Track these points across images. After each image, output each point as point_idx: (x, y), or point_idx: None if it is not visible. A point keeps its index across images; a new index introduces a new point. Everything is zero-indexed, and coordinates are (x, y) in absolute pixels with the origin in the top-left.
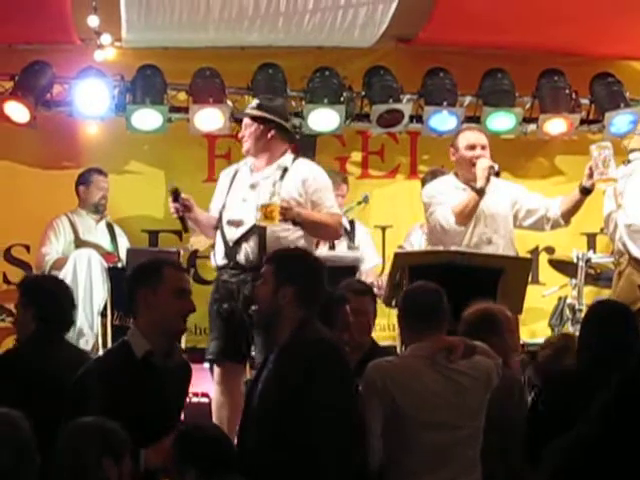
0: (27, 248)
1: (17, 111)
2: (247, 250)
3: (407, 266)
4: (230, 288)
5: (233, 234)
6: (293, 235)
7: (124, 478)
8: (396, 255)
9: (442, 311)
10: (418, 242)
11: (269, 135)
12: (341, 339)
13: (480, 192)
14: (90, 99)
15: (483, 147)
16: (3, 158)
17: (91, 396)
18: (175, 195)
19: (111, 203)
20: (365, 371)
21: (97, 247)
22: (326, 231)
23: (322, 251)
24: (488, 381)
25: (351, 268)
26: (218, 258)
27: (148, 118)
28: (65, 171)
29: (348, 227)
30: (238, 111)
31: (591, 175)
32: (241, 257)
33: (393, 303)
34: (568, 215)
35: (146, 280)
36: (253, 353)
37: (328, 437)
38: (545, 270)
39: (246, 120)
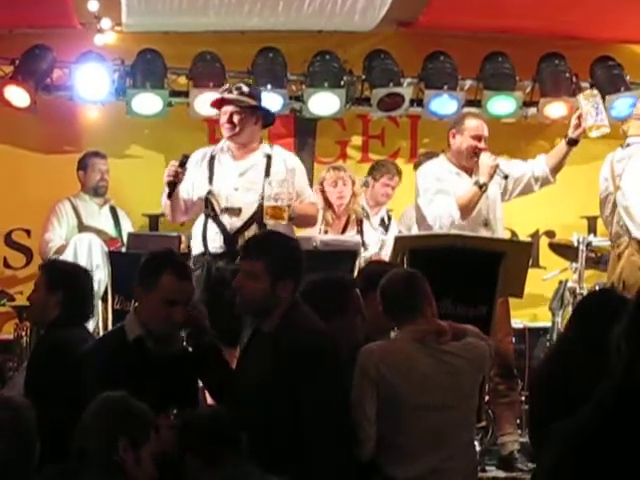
0: (28, 232)
1: (17, 95)
2: (248, 238)
3: (408, 250)
4: (224, 275)
5: (234, 223)
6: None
7: (144, 464)
8: (397, 239)
9: (416, 296)
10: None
11: (257, 122)
12: (354, 324)
13: (482, 187)
14: (90, 83)
15: (485, 140)
16: (4, 142)
17: (88, 377)
18: (184, 161)
19: (111, 187)
20: (357, 357)
21: (100, 232)
22: (309, 221)
23: (324, 235)
24: (481, 363)
25: (352, 252)
26: (214, 246)
27: (148, 102)
28: (66, 155)
29: (386, 220)
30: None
31: (578, 125)
32: (240, 245)
33: None
34: (556, 170)
35: (143, 279)
36: None
37: (323, 434)
38: (546, 254)
39: (233, 107)
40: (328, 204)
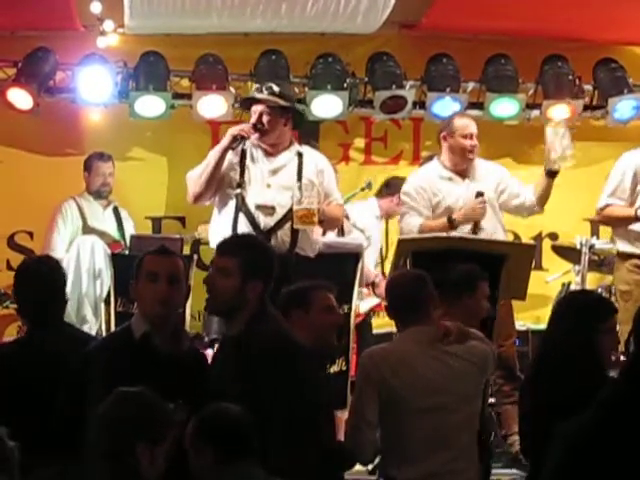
0: (31, 235)
1: (20, 98)
2: (282, 238)
3: (410, 252)
4: None
5: (268, 221)
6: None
7: (157, 464)
8: (399, 241)
9: (425, 298)
10: None
11: (286, 124)
12: (329, 322)
13: (453, 225)
14: (93, 86)
15: (476, 137)
16: (7, 145)
17: (93, 375)
18: (258, 127)
19: (114, 189)
20: (359, 360)
21: (104, 234)
22: (335, 224)
23: (325, 237)
24: (484, 366)
25: (354, 254)
26: None
27: (151, 105)
28: (68, 158)
29: None
30: (242, 98)
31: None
32: (274, 243)
33: None
34: (541, 200)
35: (134, 271)
36: None
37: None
38: (548, 256)
39: (262, 107)
40: None
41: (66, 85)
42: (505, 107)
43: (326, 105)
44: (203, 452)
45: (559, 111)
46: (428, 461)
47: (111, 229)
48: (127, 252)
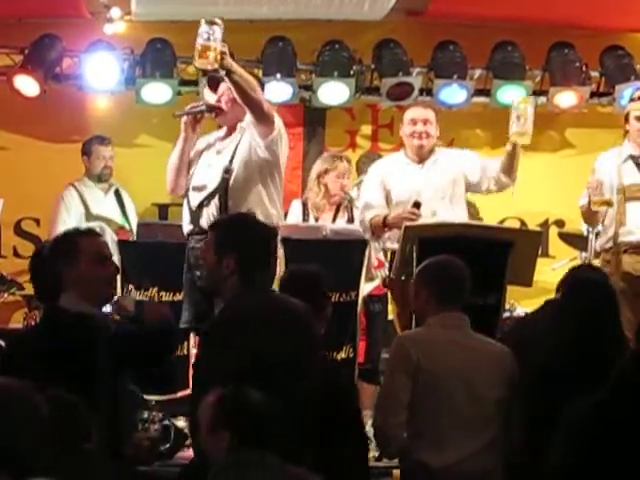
0: (37, 222)
1: (27, 85)
2: (209, 213)
3: (417, 239)
4: (196, 255)
5: (196, 199)
6: (253, 198)
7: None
8: (406, 228)
9: (468, 287)
10: None
11: None
12: (320, 316)
13: (386, 224)
14: (100, 73)
15: (425, 122)
16: (13, 132)
17: None
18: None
19: (121, 176)
20: (396, 343)
21: (109, 222)
22: (252, 96)
23: (334, 224)
24: (505, 363)
25: (362, 241)
26: (185, 224)
27: (158, 91)
28: (75, 144)
29: None
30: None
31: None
32: (203, 221)
33: (403, 277)
34: (505, 169)
35: (63, 254)
36: None
37: None
38: (555, 243)
39: (225, 86)
40: (326, 191)
41: (73, 72)
42: (512, 94)
43: (333, 92)
44: (220, 435)
45: (566, 98)
46: (460, 447)
47: (115, 214)
48: (132, 239)
